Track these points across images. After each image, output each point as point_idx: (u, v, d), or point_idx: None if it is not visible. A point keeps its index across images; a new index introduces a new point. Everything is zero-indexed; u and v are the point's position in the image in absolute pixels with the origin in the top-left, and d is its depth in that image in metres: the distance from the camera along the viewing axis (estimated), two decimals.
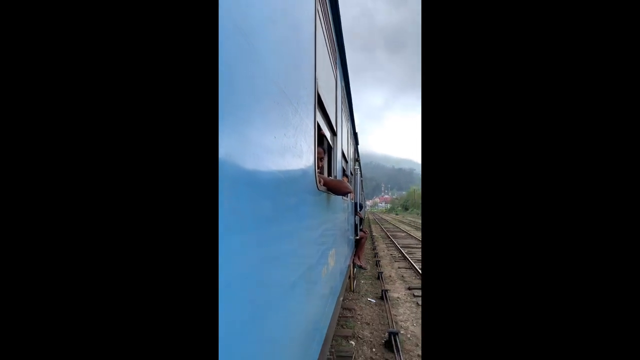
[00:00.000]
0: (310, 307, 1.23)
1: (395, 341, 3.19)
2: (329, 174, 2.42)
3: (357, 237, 4.79)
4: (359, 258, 4.91)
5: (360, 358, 3.00)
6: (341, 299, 2.46)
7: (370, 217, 40.53)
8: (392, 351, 3.09)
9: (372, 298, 4.88)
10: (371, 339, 3.43)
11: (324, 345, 1.57)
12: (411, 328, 3.76)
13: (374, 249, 10.38)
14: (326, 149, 2.29)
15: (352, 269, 4.64)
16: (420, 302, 4.65)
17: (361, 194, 8.57)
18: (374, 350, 3.19)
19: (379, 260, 7.99)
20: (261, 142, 0.66)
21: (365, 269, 6.11)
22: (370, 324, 3.86)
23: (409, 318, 4.08)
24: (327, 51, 1.75)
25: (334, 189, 1.74)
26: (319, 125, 1.56)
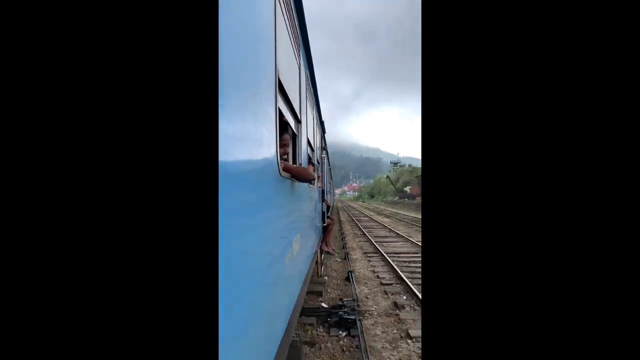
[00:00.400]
0: (276, 292, 1.27)
1: (351, 276, 5.29)
2: (294, 161, 2.40)
3: (324, 225, 4.99)
4: (326, 244, 5.18)
5: (330, 284, 5.07)
6: (306, 286, 2.46)
7: (339, 204, 43.18)
8: (349, 281, 5.17)
9: (338, 258, 6.98)
10: (336, 277, 5.51)
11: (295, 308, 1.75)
12: (362, 272, 5.89)
13: (341, 229, 12.58)
14: (291, 137, 2.27)
15: (319, 255, 4.70)
16: (370, 260, 6.82)
17: (329, 183, 9.19)
18: (338, 281, 5.27)
19: (345, 237, 10.20)
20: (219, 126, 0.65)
21: (332, 255, 6.46)
22: (337, 270, 5.94)
23: (362, 267, 6.22)
24: (289, 38, 1.71)
25: (297, 175, 1.79)
26: (281, 112, 1.58)
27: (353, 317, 3.44)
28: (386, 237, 10.39)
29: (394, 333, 3.34)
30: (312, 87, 3.26)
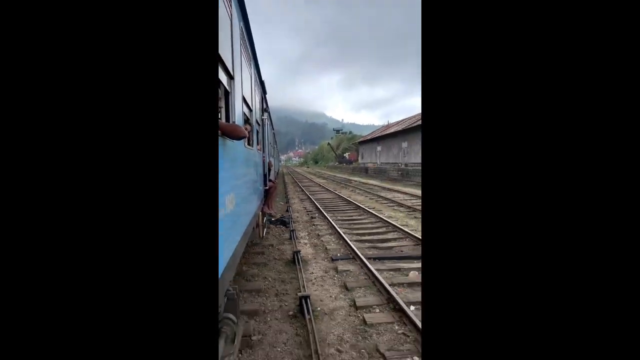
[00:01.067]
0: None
1: (289, 209, 8.72)
2: (227, 119, 2.34)
3: (267, 188, 5.12)
4: (268, 207, 5.43)
5: (274, 215, 8.45)
6: (244, 244, 2.54)
7: (285, 170, 46.06)
8: (288, 211, 8.59)
9: (281, 202, 10.37)
10: (280, 210, 8.90)
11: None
12: (297, 207, 9.35)
13: (285, 188, 16.00)
14: (223, 93, 2.20)
15: (261, 218, 4.74)
16: (303, 202, 10.32)
17: (273, 147, 10.55)
18: (282, 212, 8.68)
19: (288, 192, 13.66)
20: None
21: (274, 217, 7.00)
22: (281, 208, 9.35)
23: (297, 206, 9.70)
24: None
25: (227, 132, 1.84)
26: None
27: (288, 221, 6.88)
28: (318, 191, 14.09)
29: (308, 225, 6.86)
30: (249, 42, 3.12)
